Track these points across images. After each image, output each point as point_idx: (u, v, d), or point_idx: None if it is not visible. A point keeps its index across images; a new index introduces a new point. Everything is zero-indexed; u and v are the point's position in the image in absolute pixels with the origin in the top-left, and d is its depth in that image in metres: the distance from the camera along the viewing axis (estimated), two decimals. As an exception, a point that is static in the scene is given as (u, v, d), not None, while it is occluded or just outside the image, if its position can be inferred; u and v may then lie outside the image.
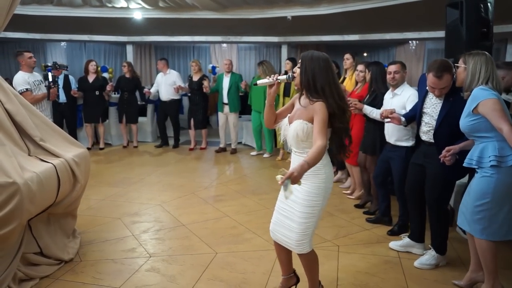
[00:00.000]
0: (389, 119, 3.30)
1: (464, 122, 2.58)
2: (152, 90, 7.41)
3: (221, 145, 7.20)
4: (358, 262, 3.12)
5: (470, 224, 2.57)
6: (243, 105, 7.40)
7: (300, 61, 2.28)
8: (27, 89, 4.78)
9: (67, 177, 2.93)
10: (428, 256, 3.06)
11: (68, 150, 3.10)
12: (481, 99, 2.47)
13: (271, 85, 2.34)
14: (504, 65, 3.62)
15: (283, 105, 6.54)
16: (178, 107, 7.65)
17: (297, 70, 2.28)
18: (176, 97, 7.38)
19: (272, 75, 2.37)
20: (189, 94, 7.37)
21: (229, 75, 6.92)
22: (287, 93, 6.40)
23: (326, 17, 6.80)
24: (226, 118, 7.05)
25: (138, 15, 7.42)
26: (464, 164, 2.61)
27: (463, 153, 2.70)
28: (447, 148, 2.72)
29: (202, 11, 7.23)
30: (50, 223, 3.02)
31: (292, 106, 2.44)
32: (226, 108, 6.95)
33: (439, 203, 3.00)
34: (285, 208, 2.36)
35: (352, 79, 4.89)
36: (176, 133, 7.52)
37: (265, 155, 6.78)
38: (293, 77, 2.31)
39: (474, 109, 2.51)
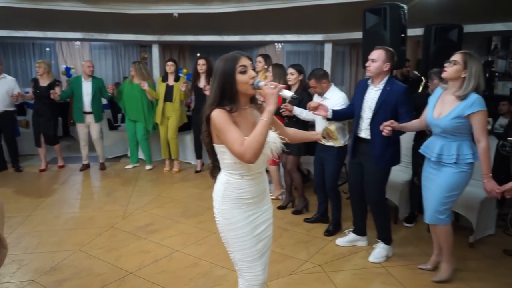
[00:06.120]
0: (316, 111, 3.32)
1: (452, 122, 2.65)
2: None
3: (84, 162, 6.04)
4: (353, 281, 2.93)
5: (436, 216, 2.75)
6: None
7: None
8: None
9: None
10: (379, 249, 3.23)
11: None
12: (479, 108, 2.58)
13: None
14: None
15: (162, 111, 5.89)
16: (14, 119, 6.06)
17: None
18: (12, 108, 5.82)
19: (277, 83, 1.74)
20: (30, 102, 5.97)
21: (90, 79, 5.78)
22: (168, 98, 5.78)
23: (216, 16, 6.40)
24: (88, 129, 5.91)
25: (-24, 2, 5.70)
26: (432, 159, 2.75)
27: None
28: (391, 121, 2.81)
29: (68, 2, 5.98)
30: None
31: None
32: (89, 118, 5.79)
33: (380, 198, 3.19)
34: None
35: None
36: (15, 152, 5.92)
37: (148, 167, 6.03)
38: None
39: (469, 115, 2.58)
